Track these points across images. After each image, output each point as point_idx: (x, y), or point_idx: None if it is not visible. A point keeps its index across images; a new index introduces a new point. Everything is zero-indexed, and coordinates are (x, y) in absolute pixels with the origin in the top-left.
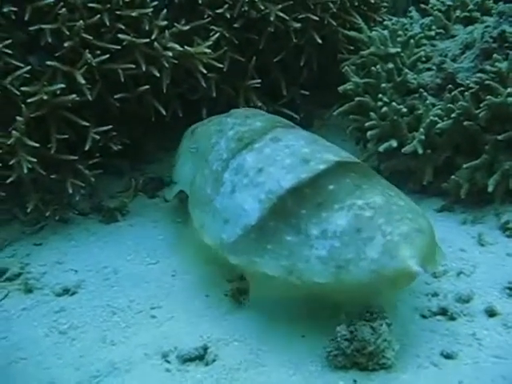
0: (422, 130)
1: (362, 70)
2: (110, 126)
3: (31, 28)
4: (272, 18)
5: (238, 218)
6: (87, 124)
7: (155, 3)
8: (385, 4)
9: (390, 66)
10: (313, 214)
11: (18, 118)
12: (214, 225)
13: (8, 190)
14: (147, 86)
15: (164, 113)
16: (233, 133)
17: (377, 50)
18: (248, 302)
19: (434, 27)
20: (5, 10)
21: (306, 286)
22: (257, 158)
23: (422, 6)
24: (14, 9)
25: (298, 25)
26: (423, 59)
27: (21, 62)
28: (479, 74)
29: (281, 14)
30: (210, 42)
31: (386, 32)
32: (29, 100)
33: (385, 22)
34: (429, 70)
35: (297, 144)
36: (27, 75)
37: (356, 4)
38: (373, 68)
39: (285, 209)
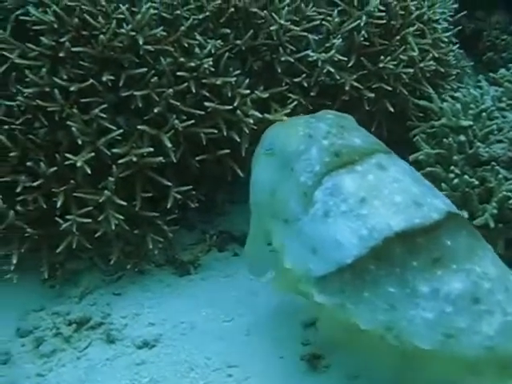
0: (494, 204)
1: (432, 139)
2: (191, 187)
3: (123, 94)
4: (347, 88)
5: (331, 250)
6: (170, 184)
7: (238, 72)
8: (454, 72)
9: (463, 138)
10: (425, 269)
11: (110, 178)
12: (300, 250)
13: (91, 240)
14: (227, 151)
15: (241, 175)
16: (327, 143)
17: (449, 121)
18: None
19: (504, 98)
20: (104, 78)
21: (403, 349)
22: (359, 183)
23: (492, 74)
24: (112, 77)
25: (371, 95)
26: (495, 132)
27: (110, 123)
28: None
29: (355, 84)
30: (288, 110)
31: (458, 105)
32: (119, 161)
33: (456, 94)
34: (499, 142)
35: (404, 180)
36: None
37: (428, 75)
38: (444, 140)
39: (391, 254)
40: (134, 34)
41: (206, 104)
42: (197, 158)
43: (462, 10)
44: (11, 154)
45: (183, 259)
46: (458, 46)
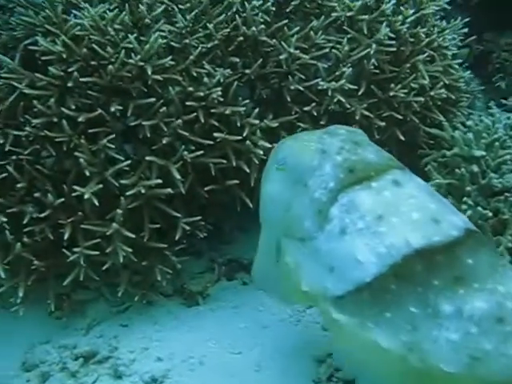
0: (509, 237)
1: (444, 168)
2: (199, 218)
3: (132, 123)
4: (357, 117)
5: (349, 269)
6: (178, 215)
7: (247, 101)
8: (464, 99)
9: (476, 169)
10: (447, 288)
11: (118, 210)
12: (316, 269)
13: (98, 271)
14: (236, 181)
15: (251, 205)
16: (341, 159)
17: (461, 151)
18: None
19: None
20: (112, 109)
21: (426, 371)
22: (375, 200)
23: (503, 101)
24: (120, 107)
25: (382, 123)
26: (508, 162)
27: (118, 151)
28: None
29: (366, 113)
30: None
31: (470, 134)
32: (127, 193)
33: (468, 123)
34: None
35: (421, 196)
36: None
37: (439, 103)
38: (457, 170)
39: (411, 273)
40: (142, 64)
41: (216, 135)
42: (205, 189)
43: (470, 32)
44: (19, 185)
45: (192, 289)
46: (468, 71)
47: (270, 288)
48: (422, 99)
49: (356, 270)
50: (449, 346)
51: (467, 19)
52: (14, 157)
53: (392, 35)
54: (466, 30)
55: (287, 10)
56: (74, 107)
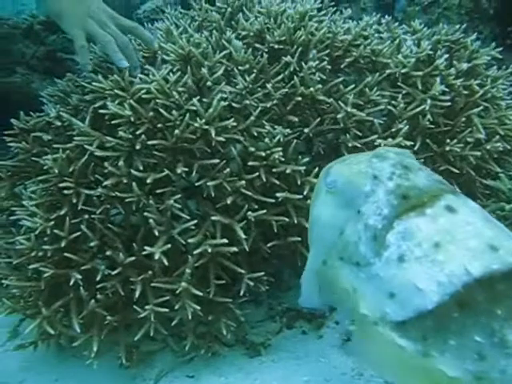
0: None
1: (503, 220)
2: (263, 273)
3: (197, 183)
4: None
5: (410, 296)
6: (243, 271)
7: (306, 159)
8: None
9: None
10: (511, 318)
11: (187, 270)
12: (375, 294)
13: (167, 325)
14: (298, 238)
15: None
16: (393, 185)
17: None
18: None
19: None
20: (178, 170)
21: None
22: (431, 227)
23: None
24: (186, 169)
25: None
26: None
27: (182, 207)
28: None
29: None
30: None
31: None
32: (194, 251)
33: None
34: None
35: (477, 222)
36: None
37: (495, 156)
38: None
39: (473, 302)
40: (206, 127)
41: (278, 195)
42: (268, 245)
43: None
44: (92, 244)
45: (254, 340)
46: None
47: (314, 305)
48: (478, 153)
49: (417, 298)
50: None
51: None
52: (86, 216)
53: (446, 89)
54: None
55: (342, 67)
56: (141, 168)
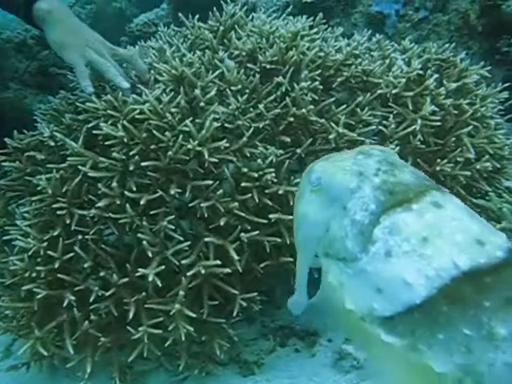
0: None
1: None
2: (256, 294)
3: (190, 204)
4: None
5: (398, 290)
6: (236, 292)
7: (299, 180)
8: (509, 166)
9: None
10: (499, 310)
11: (181, 292)
12: (362, 289)
13: (160, 346)
14: (291, 259)
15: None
16: (379, 181)
17: (509, 224)
18: None
19: None
20: (172, 192)
21: None
22: (418, 222)
23: None
24: (179, 190)
25: None
26: None
27: (175, 227)
28: None
29: None
30: None
31: None
32: (188, 273)
33: None
34: None
35: (464, 218)
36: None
37: (485, 176)
38: None
39: (462, 295)
40: (200, 148)
41: (271, 216)
42: (261, 265)
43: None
44: (85, 265)
45: (247, 359)
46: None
47: (310, 313)
48: (468, 173)
49: (405, 292)
50: (507, 370)
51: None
52: (79, 236)
53: (436, 109)
54: (506, 94)
55: (333, 86)
56: (134, 189)
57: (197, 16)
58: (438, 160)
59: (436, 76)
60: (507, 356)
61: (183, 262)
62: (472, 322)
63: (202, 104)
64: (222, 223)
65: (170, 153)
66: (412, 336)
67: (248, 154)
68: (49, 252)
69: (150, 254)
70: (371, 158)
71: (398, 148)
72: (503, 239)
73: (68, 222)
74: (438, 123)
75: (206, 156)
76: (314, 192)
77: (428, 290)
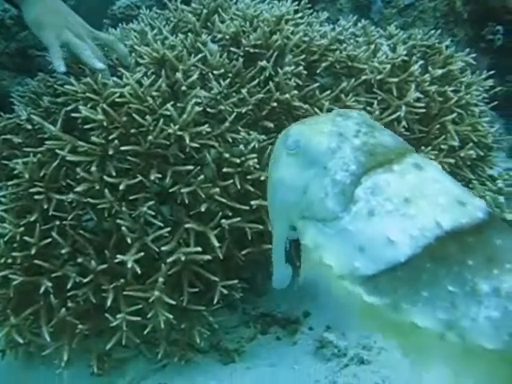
0: None
1: None
2: (237, 281)
3: (171, 190)
4: None
5: (381, 249)
6: (216, 279)
7: None
8: (493, 154)
9: None
10: (482, 268)
11: (160, 278)
12: (343, 248)
13: (139, 333)
14: (271, 246)
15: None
16: (359, 143)
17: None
18: None
19: None
20: (152, 177)
21: (466, 348)
22: (400, 183)
23: None
24: (159, 175)
25: None
26: None
27: (155, 213)
28: None
29: None
30: None
31: (501, 198)
32: (167, 260)
33: (499, 185)
34: None
35: (445, 180)
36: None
37: (469, 163)
38: None
39: (446, 254)
40: (180, 133)
41: (252, 203)
42: (242, 252)
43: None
44: (63, 251)
45: (228, 347)
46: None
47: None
48: (452, 160)
49: (389, 250)
50: (489, 324)
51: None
52: (57, 221)
53: (420, 95)
54: (491, 82)
55: (317, 71)
56: (114, 173)
57: None
58: (422, 147)
59: (421, 62)
60: (489, 310)
61: (163, 248)
62: (456, 279)
63: (183, 88)
64: (202, 209)
65: (150, 137)
66: (394, 294)
67: (230, 140)
68: (25, 237)
69: (129, 240)
70: (350, 119)
71: None
72: (482, 202)
73: (45, 206)
74: (423, 110)
75: (187, 141)
76: (291, 155)
77: (413, 249)
